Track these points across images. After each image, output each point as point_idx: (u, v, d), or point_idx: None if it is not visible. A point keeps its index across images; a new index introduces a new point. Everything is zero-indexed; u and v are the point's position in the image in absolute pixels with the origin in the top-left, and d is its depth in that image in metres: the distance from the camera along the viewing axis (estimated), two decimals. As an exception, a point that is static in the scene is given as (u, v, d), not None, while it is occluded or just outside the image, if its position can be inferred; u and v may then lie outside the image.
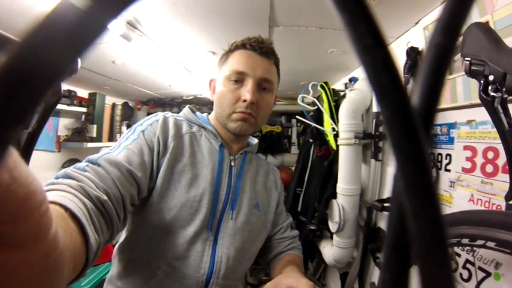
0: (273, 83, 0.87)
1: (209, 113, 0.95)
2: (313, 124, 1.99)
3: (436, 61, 0.12)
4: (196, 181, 0.79)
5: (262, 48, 0.84)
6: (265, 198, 0.95)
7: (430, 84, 0.12)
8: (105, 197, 0.55)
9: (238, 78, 0.83)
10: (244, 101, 0.80)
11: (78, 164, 0.60)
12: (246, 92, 0.80)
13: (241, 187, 0.88)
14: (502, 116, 0.64)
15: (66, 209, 0.42)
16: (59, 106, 2.20)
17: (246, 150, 0.93)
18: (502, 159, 0.80)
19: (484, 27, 0.66)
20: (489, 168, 0.85)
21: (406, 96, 0.11)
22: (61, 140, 2.57)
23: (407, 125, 0.11)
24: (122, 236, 0.84)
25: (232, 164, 0.87)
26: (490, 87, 0.64)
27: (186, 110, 0.91)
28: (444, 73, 0.12)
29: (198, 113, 0.94)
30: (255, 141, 1.01)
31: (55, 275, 0.25)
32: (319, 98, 1.97)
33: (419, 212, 0.11)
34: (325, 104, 1.87)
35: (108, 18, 0.11)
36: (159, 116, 0.83)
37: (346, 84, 1.87)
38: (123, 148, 0.71)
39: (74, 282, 0.42)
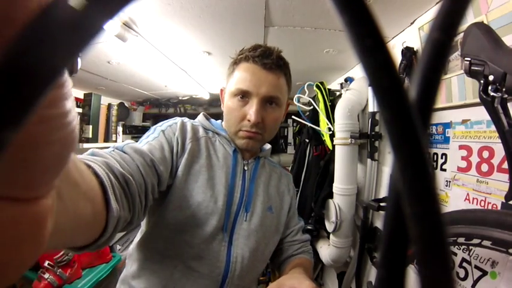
0: (279, 98, 0.85)
1: (222, 120, 0.96)
2: (309, 124, 1.99)
3: (433, 57, 0.12)
4: (212, 182, 0.80)
5: (266, 65, 0.81)
6: (278, 201, 0.96)
7: (427, 81, 0.12)
8: (128, 176, 0.53)
9: (244, 95, 0.82)
10: (249, 121, 0.81)
11: (104, 149, 0.58)
12: (251, 112, 0.80)
13: (255, 190, 0.89)
14: (502, 116, 0.65)
15: (89, 166, 0.42)
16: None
17: (258, 156, 0.95)
18: (497, 159, 0.81)
19: (484, 27, 0.66)
20: (484, 167, 0.86)
21: (407, 99, 0.11)
22: (56, 141, 2.54)
23: (408, 127, 0.11)
24: (138, 235, 0.85)
25: (246, 168, 0.89)
26: (490, 87, 0.64)
27: (200, 117, 0.93)
28: (441, 69, 0.12)
29: (212, 120, 0.95)
30: (268, 146, 1.02)
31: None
32: (315, 98, 1.98)
33: (420, 216, 0.11)
34: (321, 104, 1.88)
35: (104, 18, 0.11)
36: (178, 119, 0.85)
37: (341, 84, 1.88)
38: (145, 143, 0.73)
39: (88, 249, 0.41)
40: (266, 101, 0.83)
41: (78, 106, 2.57)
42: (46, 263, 1.78)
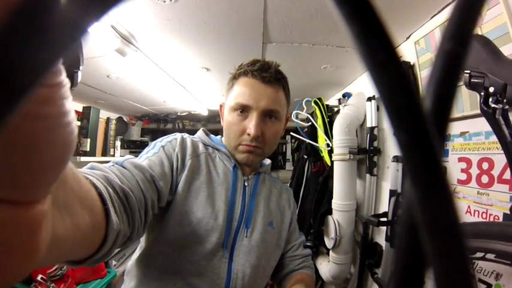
0: (279, 111, 0.86)
1: (222, 135, 0.96)
2: (308, 140, 2.00)
3: (447, 70, 0.11)
4: (212, 199, 0.80)
5: (265, 78, 0.82)
6: (279, 216, 0.96)
7: (441, 95, 0.11)
8: (127, 190, 0.53)
9: (243, 110, 0.83)
10: (249, 134, 0.81)
11: (104, 164, 0.58)
12: (251, 126, 0.80)
13: (255, 206, 0.88)
14: (504, 127, 0.64)
15: (87, 178, 0.41)
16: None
17: (259, 171, 0.94)
18: (498, 170, 0.81)
19: (483, 39, 0.67)
20: (485, 179, 0.85)
21: (426, 120, 0.10)
22: (53, 154, 2.52)
23: (428, 152, 0.10)
24: (137, 251, 0.84)
25: (246, 184, 0.88)
26: (490, 99, 0.64)
27: (200, 132, 0.93)
28: (456, 83, 0.12)
29: (212, 136, 0.95)
30: (268, 161, 1.02)
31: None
32: (313, 114, 1.99)
33: (444, 253, 0.10)
34: (319, 120, 1.89)
35: (89, 18, 0.10)
36: (178, 135, 0.85)
37: (339, 99, 1.89)
38: (145, 159, 0.72)
39: (86, 263, 0.40)
40: (266, 114, 0.83)
41: (76, 119, 2.58)
42: (39, 277, 1.72)
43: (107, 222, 0.41)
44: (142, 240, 0.83)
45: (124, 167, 0.61)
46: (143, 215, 0.59)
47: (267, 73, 0.82)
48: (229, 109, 0.86)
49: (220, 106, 0.95)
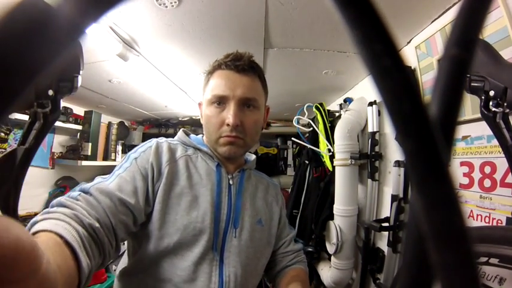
0: (257, 99, 0.84)
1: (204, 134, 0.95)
2: (309, 146, 1.99)
3: (453, 75, 0.11)
4: (197, 202, 0.78)
5: (238, 67, 0.82)
6: (267, 213, 0.94)
7: (447, 102, 0.11)
8: (97, 224, 0.58)
9: (220, 101, 0.82)
10: (228, 125, 0.79)
11: (71, 193, 0.63)
12: (229, 115, 0.79)
13: (242, 204, 0.87)
14: (505, 130, 0.64)
15: (60, 236, 0.46)
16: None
17: (243, 168, 0.92)
18: (500, 173, 0.80)
19: (483, 43, 0.67)
20: (487, 182, 0.85)
21: (433, 127, 0.09)
22: (55, 157, 2.54)
23: (435, 161, 0.09)
24: (125, 262, 0.83)
25: (231, 182, 0.87)
26: (491, 103, 0.64)
27: (180, 133, 0.92)
28: (462, 89, 0.11)
29: (192, 136, 0.94)
30: (253, 157, 1.01)
31: None
32: (314, 119, 1.99)
33: (452, 266, 0.09)
34: (321, 125, 1.89)
35: (84, 18, 0.10)
36: (153, 142, 0.84)
37: (341, 105, 1.89)
38: (115, 177, 0.72)
39: None
40: (243, 103, 0.82)
41: (78, 123, 2.59)
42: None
43: (79, 270, 0.46)
44: (130, 253, 0.83)
45: (91, 194, 0.64)
46: (113, 240, 0.63)
47: (240, 61, 0.82)
48: (206, 103, 0.85)
49: (199, 104, 0.93)
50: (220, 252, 0.79)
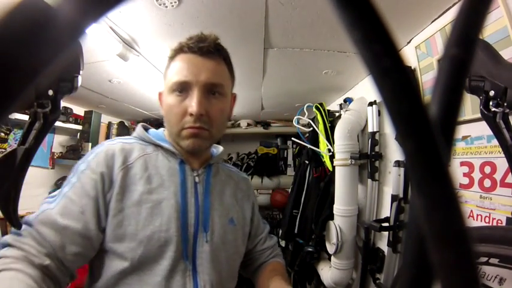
0: (223, 85, 0.76)
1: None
2: (309, 146, 2.00)
3: (452, 75, 0.11)
4: (159, 208, 0.70)
5: (202, 49, 0.73)
6: (239, 211, 0.87)
7: (447, 102, 0.11)
8: (47, 262, 0.58)
9: (182, 89, 0.73)
10: (191, 114, 0.71)
11: (17, 231, 0.63)
12: (192, 104, 0.70)
13: (211, 204, 0.79)
14: (505, 130, 0.64)
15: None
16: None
17: (210, 163, 0.84)
18: (500, 173, 0.80)
19: (483, 43, 0.67)
20: (487, 182, 0.85)
21: (433, 128, 0.09)
22: (55, 157, 2.54)
23: (435, 161, 0.09)
24: (90, 283, 0.75)
25: (197, 180, 0.78)
26: (491, 103, 0.64)
27: (138, 129, 0.83)
28: (462, 89, 0.11)
29: (151, 130, 0.85)
30: (220, 149, 0.92)
31: None
32: (314, 119, 1.99)
33: (452, 265, 0.09)
34: (321, 125, 1.89)
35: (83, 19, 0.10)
36: (103, 147, 0.75)
37: (341, 105, 1.89)
38: (61, 197, 0.67)
39: None
40: (208, 90, 0.73)
41: (78, 123, 2.59)
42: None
43: None
44: (93, 274, 0.74)
45: (35, 229, 0.62)
46: (67, 273, 0.63)
47: (204, 43, 0.73)
48: (167, 92, 0.77)
49: (159, 94, 0.85)
50: (192, 260, 0.72)
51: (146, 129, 0.83)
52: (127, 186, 0.70)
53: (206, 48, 0.73)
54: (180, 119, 0.73)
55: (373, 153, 1.53)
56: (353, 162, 1.59)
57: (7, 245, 0.59)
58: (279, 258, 0.98)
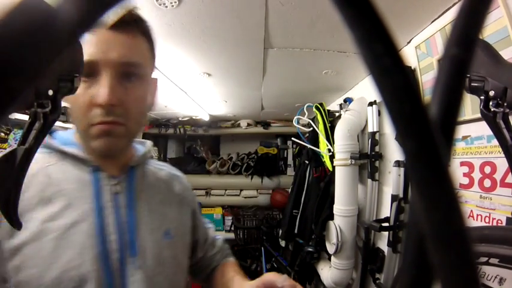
0: (141, 65, 0.60)
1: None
2: (309, 146, 2.00)
3: (452, 75, 0.11)
4: (67, 239, 0.53)
5: (114, 21, 0.53)
6: (175, 218, 0.73)
7: (447, 102, 0.11)
8: None
9: (88, 73, 0.54)
10: (100, 105, 0.54)
11: None
12: (100, 90, 0.53)
13: (138, 218, 0.63)
14: (505, 130, 0.64)
15: None
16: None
17: (131, 165, 0.67)
18: (500, 173, 0.80)
19: (483, 43, 0.67)
20: (487, 182, 0.85)
21: (433, 128, 0.09)
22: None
23: (435, 161, 0.09)
24: None
25: (117, 189, 0.62)
26: (491, 103, 0.64)
27: None
28: (462, 89, 0.11)
29: (59, 133, 0.67)
30: (147, 144, 0.76)
31: None
32: (314, 119, 1.99)
33: (451, 266, 0.09)
34: (321, 125, 1.89)
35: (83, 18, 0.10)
36: None
37: (341, 104, 1.89)
38: None
39: None
40: (122, 73, 0.56)
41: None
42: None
43: None
44: None
45: None
46: None
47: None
48: None
49: None
50: None
51: (50, 133, 0.63)
52: (20, 216, 0.49)
53: (120, 20, 0.54)
54: (86, 111, 0.55)
55: (373, 153, 1.53)
56: (353, 162, 1.59)
57: None
58: (230, 258, 0.91)
